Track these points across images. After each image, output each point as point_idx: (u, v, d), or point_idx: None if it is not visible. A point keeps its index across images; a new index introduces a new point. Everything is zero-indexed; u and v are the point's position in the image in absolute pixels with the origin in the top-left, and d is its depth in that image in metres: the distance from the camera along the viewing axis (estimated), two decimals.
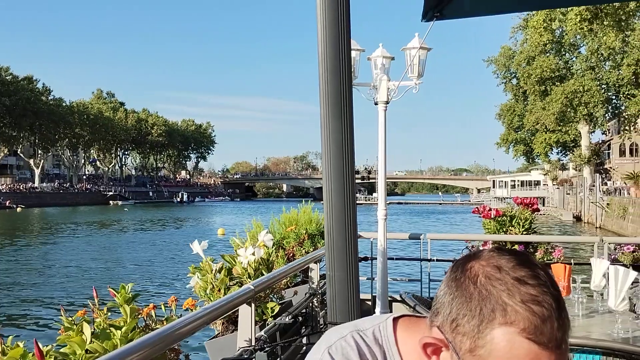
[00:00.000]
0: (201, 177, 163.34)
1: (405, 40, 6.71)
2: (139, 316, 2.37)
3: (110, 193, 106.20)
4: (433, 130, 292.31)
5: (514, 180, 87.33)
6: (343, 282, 2.79)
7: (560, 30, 48.47)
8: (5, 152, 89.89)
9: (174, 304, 2.66)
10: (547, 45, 51.62)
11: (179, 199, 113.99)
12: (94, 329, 2.12)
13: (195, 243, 3.87)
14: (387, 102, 6.59)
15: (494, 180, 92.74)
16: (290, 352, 4.01)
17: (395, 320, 1.10)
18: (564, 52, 53.92)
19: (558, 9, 35.35)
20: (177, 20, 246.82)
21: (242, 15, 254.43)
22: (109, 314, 2.33)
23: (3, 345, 1.93)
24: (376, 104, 6.55)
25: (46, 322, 12.98)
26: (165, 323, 2.44)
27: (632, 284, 4.27)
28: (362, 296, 7.04)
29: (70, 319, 2.23)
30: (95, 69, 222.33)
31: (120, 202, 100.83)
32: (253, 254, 3.79)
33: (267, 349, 3.11)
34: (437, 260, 7.06)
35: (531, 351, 0.89)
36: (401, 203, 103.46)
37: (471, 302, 0.93)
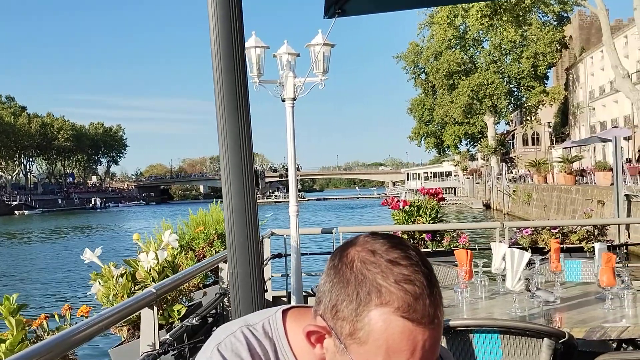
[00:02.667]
0: (114, 182, 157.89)
1: (311, 37, 6.78)
2: (29, 327, 2.25)
3: (15, 202, 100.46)
4: (349, 126, 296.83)
5: (427, 172, 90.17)
6: (246, 280, 2.78)
7: (464, 26, 50.48)
8: None
9: (68, 312, 2.55)
10: (452, 41, 53.70)
11: (90, 205, 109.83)
12: None
13: (87, 251, 3.72)
14: (294, 99, 6.62)
15: (407, 173, 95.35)
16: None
17: (285, 312, 1.11)
18: (468, 47, 56.18)
19: (460, 6, 36.70)
20: (81, 20, 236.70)
21: (147, 13, 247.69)
22: None
23: None
24: (283, 100, 6.57)
25: None
26: (57, 332, 2.34)
27: (527, 265, 4.51)
28: (277, 293, 7.09)
29: None
30: None
31: (26, 212, 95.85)
32: (156, 256, 3.69)
33: (172, 352, 3.05)
34: None
35: (406, 328, 0.92)
36: (320, 199, 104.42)
37: (348, 287, 0.95)
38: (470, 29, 49.62)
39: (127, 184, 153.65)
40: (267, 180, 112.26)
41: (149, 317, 2.90)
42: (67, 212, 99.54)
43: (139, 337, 3.65)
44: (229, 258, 2.84)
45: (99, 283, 3.63)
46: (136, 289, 3.72)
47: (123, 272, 3.61)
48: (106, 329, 2.41)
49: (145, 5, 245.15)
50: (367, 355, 0.93)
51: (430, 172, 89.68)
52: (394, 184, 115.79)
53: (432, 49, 55.65)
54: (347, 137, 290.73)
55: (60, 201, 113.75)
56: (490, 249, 7.33)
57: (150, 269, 3.65)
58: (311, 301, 6.98)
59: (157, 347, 2.91)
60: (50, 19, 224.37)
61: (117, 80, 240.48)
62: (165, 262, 3.75)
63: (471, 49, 56.90)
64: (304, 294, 6.65)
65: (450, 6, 38.48)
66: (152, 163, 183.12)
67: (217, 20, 2.75)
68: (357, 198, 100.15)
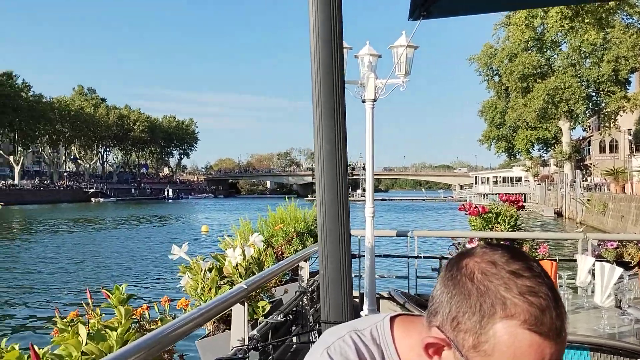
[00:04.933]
0: (184, 174, 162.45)
1: (393, 38, 6.74)
2: (133, 317, 2.35)
3: (92, 190, 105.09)
4: (417, 127, 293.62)
5: (496, 177, 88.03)
6: (336, 280, 2.80)
7: (542, 27, 48.91)
8: None
9: (167, 304, 2.64)
10: (529, 43, 52.08)
11: (163, 196, 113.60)
12: (89, 330, 2.10)
13: (174, 247, 3.83)
14: (374, 100, 6.61)
15: (476, 177, 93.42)
16: (280, 351, 4.01)
17: (392, 319, 1.11)
18: (545, 49, 54.35)
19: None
20: (161, 16, 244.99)
21: (226, 11, 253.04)
22: (103, 315, 2.31)
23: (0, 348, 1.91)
24: (364, 101, 6.56)
25: (28, 323, 12.83)
26: (160, 323, 2.43)
27: (617, 280, 4.33)
28: None
29: (64, 320, 2.20)
30: (76, 65, 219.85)
31: (101, 199, 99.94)
32: (243, 253, 3.77)
33: (260, 348, 3.11)
34: (424, 257, 7.11)
35: (533, 342, 0.90)
36: (385, 199, 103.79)
37: (470, 299, 0.94)
38: (548, 31, 48.03)
39: (197, 177, 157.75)
40: None
41: (239, 313, 2.96)
42: (140, 201, 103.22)
43: (223, 330, 3.75)
44: (321, 257, 2.87)
45: (188, 276, 3.73)
46: (222, 283, 3.80)
47: (211, 267, 3.70)
48: (204, 322, 2.49)
49: (220, 5, 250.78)
50: None
51: (500, 177, 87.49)
52: (461, 187, 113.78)
53: (507, 51, 54.15)
54: (414, 138, 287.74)
55: (133, 190, 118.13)
56: (570, 260, 7.10)
57: (237, 265, 3.72)
58: (383, 303, 6.95)
59: (246, 342, 2.97)
60: (130, 17, 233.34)
61: (191, 76, 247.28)
62: (251, 258, 3.82)
63: (548, 51, 55.03)
64: (377, 296, 6.63)
65: (527, 9, 37.43)
66: (222, 157, 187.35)
67: (318, 23, 2.78)
68: (423, 200, 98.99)
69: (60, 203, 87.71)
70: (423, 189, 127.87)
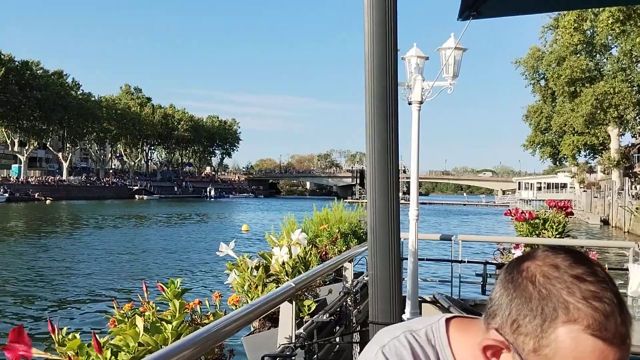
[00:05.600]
0: (225, 174, 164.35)
1: (438, 41, 6.69)
2: (186, 311, 2.40)
3: (136, 187, 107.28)
4: (458, 130, 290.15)
5: (540, 183, 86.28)
6: (385, 281, 2.79)
7: (592, 30, 47.71)
8: (35, 145, 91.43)
9: (218, 299, 2.69)
10: (578, 46, 50.82)
11: (205, 195, 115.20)
12: (144, 322, 2.15)
13: (222, 245, 3.88)
14: (421, 102, 6.57)
15: (519, 182, 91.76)
16: (325, 350, 4.02)
17: (447, 321, 1.11)
18: (594, 53, 53.02)
19: (590, 10, 34.79)
20: (204, 19, 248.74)
21: (266, 16, 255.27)
22: (158, 307, 2.36)
23: (60, 336, 1.98)
24: (410, 103, 6.53)
25: (80, 313, 13.18)
26: (212, 318, 2.47)
27: None
28: None
29: (121, 311, 2.27)
30: (123, 64, 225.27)
31: (145, 197, 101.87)
32: (289, 252, 3.80)
33: (306, 346, 3.13)
34: (468, 262, 7.03)
35: (597, 347, 0.89)
36: (425, 203, 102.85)
37: (531, 302, 0.93)
38: (598, 34, 46.82)
39: (238, 176, 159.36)
40: None
41: (287, 311, 2.99)
42: (182, 199, 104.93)
43: (269, 328, 3.78)
44: (370, 259, 2.87)
45: (235, 273, 3.78)
46: (268, 281, 3.84)
47: (258, 265, 3.74)
48: (256, 319, 2.52)
49: (264, 9, 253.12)
50: None
51: (544, 183, 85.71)
52: (503, 192, 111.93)
53: (555, 54, 52.96)
54: (456, 142, 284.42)
55: (176, 189, 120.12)
56: (619, 269, 6.91)
57: (284, 263, 3.75)
58: (425, 307, 6.90)
59: (293, 340, 2.99)
60: (177, 21, 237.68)
61: (235, 77, 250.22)
62: (297, 257, 3.85)
63: (598, 55, 53.67)
64: (419, 299, 6.59)
65: (579, 10, 36.55)
66: (263, 157, 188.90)
67: (372, 25, 2.78)
68: (464, 205, 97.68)
69: (106, 199, 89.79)
70: (464, 194, 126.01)
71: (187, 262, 22.35)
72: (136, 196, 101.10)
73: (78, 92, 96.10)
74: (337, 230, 5.58)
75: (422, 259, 7.01)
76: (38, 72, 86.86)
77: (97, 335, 1.89)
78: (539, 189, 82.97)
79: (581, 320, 0.89)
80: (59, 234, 33.51)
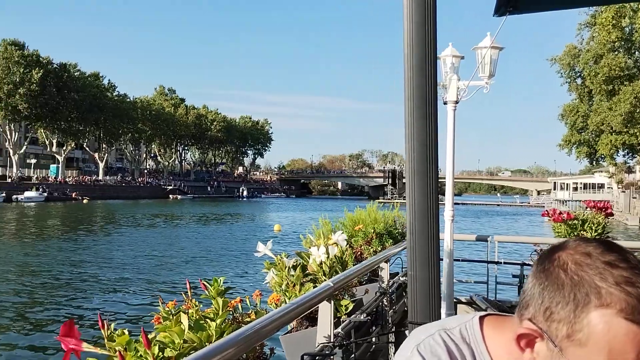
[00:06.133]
0: (258, 173, 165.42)
1: (473, 39, 6.63)
2: (229, 309, 2.44)
3: (170, 187, 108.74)
4: (492, 129, 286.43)
5: (576, 183, 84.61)
6: (425, 281, 2.79)
7: (630, 27, 46.60)
8: (72, 145, 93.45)
9: (258, 298, 2.72)
10: (616, 43, 49.68)
11: (238, 195, 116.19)
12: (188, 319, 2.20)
13: (260, 245, 3.92)
14: (456, 102, 6.53)
15: (555, 182, 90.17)
16: (361, 350, 4.03)
17: (481, 319, 1.12)
18: (634, 50, 51.74)
19: (628, 5, 33.97)
20: (236, 20, 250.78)
21: (300, 15, 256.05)
22: (201, 305, 2.40)
23: (109, 332, 2.03)
24: (445, 103, 6.49)
25: (122, 309, 13.46)
26: (253, 316, 2.51)
27: None
28: None
29: (167, 309, 2.31)
30: (158, 66, 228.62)
31: (179, 197, 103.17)
32: (327, 252, 3.83)
33: (345, 345, 3.14)
34: (505, 262, 6.95)
35: (630, 331, 0.90)
36: (458, 203, 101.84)
37: (564, 289, 0.95)
38: (637, 31, 45.71)
39: (270, 176, 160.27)
40: (404, 180, 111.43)
41: (326, 310, 3.01)
42: (215, 199, 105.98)
43: (306, 327, 3.81)
44: (409, 259, 2.87)
45: (272, 272, 3.82)
46: (305, 280, 3.87)
47: (295, 264, 3.77)
48: (296, 317, 2.55)
49: (295, 9, 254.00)
50: (587, 357, 0.92)
51: (581, 183, 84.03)
52: (538, 192, 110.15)
53: (592, 52, 51.88)
54: (490, 141, 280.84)
55: (209, 188, 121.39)
56: None
57: (321, 263, 3.78)
58: (460, 308, 6.85)
59: (332, 339, 3.01)
60: (209, 22, 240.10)
61: (267, 78, 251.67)
62: (334, 257, 3.87)
63: (637, 52, 52.39)
64: (455, 300, 6.54)
65: (617, 6, 35.72)
66: (294, 157, 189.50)
67: (412, 25, 2.79)
68: (498, 205, 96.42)
69: (140, 199, 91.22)
70: (498, 194, 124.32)
71: (222, 260, 22.69)
72: (170, 196, 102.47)
73: (114, 94, 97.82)
74: (372, 231, 5.58)
75: (458, 260, 6.96)
76: (75, 74, 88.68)
77: (145, 332, 1.93)
78: (575, 189, 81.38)
79: (614, 305, 0.90)
80: (98, 233, 34.29)
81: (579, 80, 57.56)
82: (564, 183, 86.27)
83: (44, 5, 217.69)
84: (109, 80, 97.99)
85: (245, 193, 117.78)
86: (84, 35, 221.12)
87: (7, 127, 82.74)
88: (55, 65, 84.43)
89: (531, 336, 0.99)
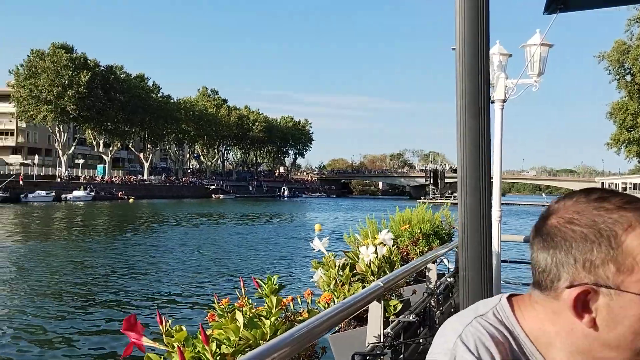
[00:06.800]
0: (298, 173, 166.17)
1: (521, 37, 6.52)
2: (282, 308, 2.46)
3: (213, 187, 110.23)
4: (537, 128, 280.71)
5: (625, 183, 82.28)
6: (477, 283, 2.75)
7: None
8: (118, 146, 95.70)
9: (309, 297, 2.73)
10: None
11: (279, 194, 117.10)
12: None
13: (315, 240, 3.94)
14: (504, 101, 6.44)
15: (602, 182, 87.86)
16: (410, 351, 4.01)
17: (508, 299, 1.10)
18: None
19: None
20: (278, 22, 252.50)
21: (337, 19, 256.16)
22: (255, 303, 2.43)
23: (167, 327, 2.07)
24: (492, 102, 6.40)
25: (174, 306, 13.75)
26: (306, 315, 2.52)
27: None
28: None
29: (221, 306, 2.35)
30: (200, 67, 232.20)
31: (221, 196, 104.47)
32: (375, 251, 3.82)
33: (395, 345, 3.13)
34: None
35: None
36: (503, 204, 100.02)
37: (586, 236, 0.97)
38: None
39: (311, 176, 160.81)
40: (446, 180, 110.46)
41: (376, 310, 3.00)
42: (257, 198, 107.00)
43: (354, 326, 3.81)
44: (461, 259, 2.83)
45: (320, 271, 3.83)
46: (353, 280, 3.87)
47: (345, 263, 3.77)
48: (348, 317, 2.55)
49: (338, 11, 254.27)
50: None
51: (630, 183, 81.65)
52: None
53: None
54: (534, 140, 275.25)
55: (250, 188, 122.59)
56: None
57: (370, 263, 3.77)
58: None
59: (382, 339, 3.01)
60: (252, 26, 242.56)
61: (307, 78, 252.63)
62: (382, 257, 3.86)
63: None
64: None
65: None
66: (335, 157, 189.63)
67: (464, 22, 2.75)
68: (544, 205, 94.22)
69: (184, 198, 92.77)
70: (543, 194, 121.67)
71: (266, 259, 22.98)
72: (213, 195, 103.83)
73: (158, 95, 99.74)
74: (418, 231, 5.54)
75: (505, 261, 6.85)
76: (121, 76, 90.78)
77: (203, 328, 1.97)
78: (624, 189, 79.11)
79: (635, 222, 0.95)
80: (147, 231, 35.10)
81: (628, 77, 55.98)
82: (612, 183, 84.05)
83: (92, 8, 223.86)
84: (153, 81, 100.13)
85: (286, 193, 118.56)
86: (129, 37, 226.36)
87: (56, 128, 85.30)
88: (102, 68, 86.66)
89: (585, 295, 0.97)
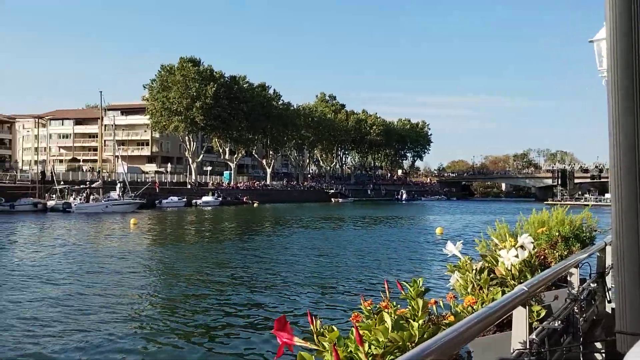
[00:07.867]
0: (417, 176, 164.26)
1: None
2: (427, 310, 2.45)
3: (332, 191, 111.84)
4: None
5: None
6: (635, 288, 2.59)
7: None
8: (242, 153, 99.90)
9: (452, 300, 2.70)
10: None
11: (397, 197, 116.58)
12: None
13: (449, 244, 3.88)
14: None
15: None
16: (554, 359, 3.83)
17: None
18: None
19: None
20: (396, 24, 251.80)
21: (452, 20, 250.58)
22: (399, 305, 2.44)
23: (317, 327, 2.14)
24: None
25: (308, 306, 14.16)
26: (451, 319, 2.50)
27: None
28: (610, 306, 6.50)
29: (367, 308, 2.39)
30: (318, 72, 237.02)
31: (340, 200, 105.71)
32: (516, 255, 3.70)
33: (541, 353, 3.01)
34: None
35: None
36: None
37: None
38: None
39: (430, 179, 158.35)
40: (576, 181, 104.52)
41: (521, 316, 2.91)
42: (375, 202, 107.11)
43: (494, 332, 3.71)
44: (616, 264, 2.69)
45: (456, 275, 3.76)
46: (492, 283, 3.77)
47: (483, 267, 3.69)
48: (495, 322, 2.49)
49: (460, 10, 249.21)
50: None
51: None
52: None
53: None
54: None
55: (368, 191, 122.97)
56: None
57: (510, 267, 3.66)
58: None
59: (528, 346, 2.90)
60: (372, 24, 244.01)
61: (423, 79, 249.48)
62: (523, 261, 3.73)
63: None
64: None
65: None
66: (454, 159, 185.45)
67: (615, 15, 2.61)
68: None
69: (304, 202, 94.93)
70: None
71: (391, 262, 23.00)
72: (332, 199, 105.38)
73: (279, 102, 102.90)
74: (557, 234, 5.28)
75: None
76: (244, 85, 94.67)
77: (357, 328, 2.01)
78: None
79: None
80: (275, 234, 36.71)
81: None
82: None
83: (212, 16, 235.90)
84: (274, 89, 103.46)
85: (404, 196, 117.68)
86: (249, 45, 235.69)
87: (186, 138, 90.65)
88: (226, 79, 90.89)
89: None
